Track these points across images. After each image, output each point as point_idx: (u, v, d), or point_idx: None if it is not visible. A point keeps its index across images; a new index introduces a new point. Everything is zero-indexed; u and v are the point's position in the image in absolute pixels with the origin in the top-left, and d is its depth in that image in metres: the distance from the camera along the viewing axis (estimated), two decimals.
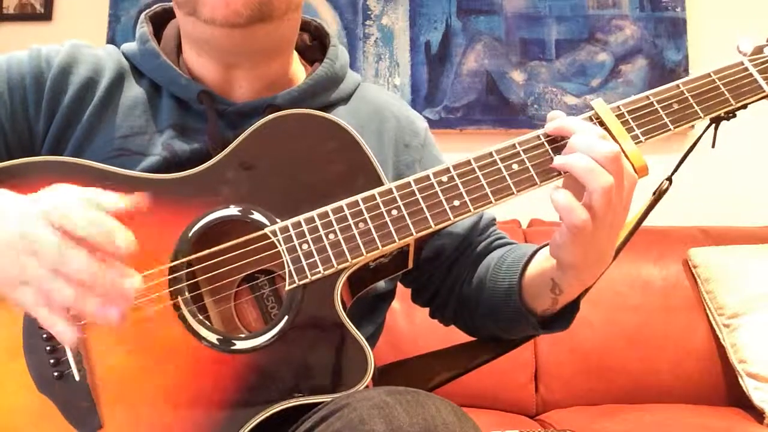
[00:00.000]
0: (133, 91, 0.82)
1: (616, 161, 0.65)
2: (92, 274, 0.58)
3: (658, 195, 0.79)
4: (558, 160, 0.68)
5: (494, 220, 0.94)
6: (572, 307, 0.80)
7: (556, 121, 0.70)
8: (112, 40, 2.19)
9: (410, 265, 0.76)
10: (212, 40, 0.78)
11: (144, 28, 0.85)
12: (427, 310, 0.97)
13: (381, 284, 0.85)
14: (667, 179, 0.78)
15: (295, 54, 0.90)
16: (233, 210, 0.71)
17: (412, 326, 1.69)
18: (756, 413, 1.57)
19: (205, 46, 0.81)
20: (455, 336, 0.93)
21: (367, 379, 0.65)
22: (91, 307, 0.58)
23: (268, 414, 0.65)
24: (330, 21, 2.21)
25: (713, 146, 0.78)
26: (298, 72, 0.90)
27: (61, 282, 0.58)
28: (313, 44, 0.93)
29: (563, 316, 0.80)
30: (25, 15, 2.28)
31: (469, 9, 2.22)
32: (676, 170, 0.80)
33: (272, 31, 0.79)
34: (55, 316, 0.59)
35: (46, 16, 2.28)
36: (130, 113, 0.81)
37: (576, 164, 0.66)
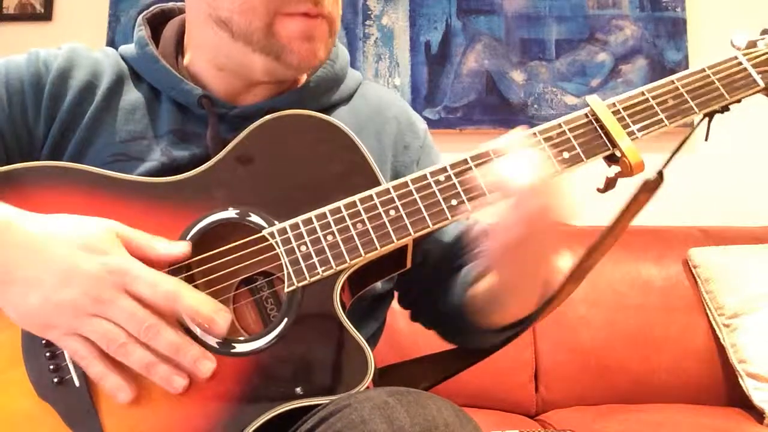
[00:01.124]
0: (132, 95, 0.82)
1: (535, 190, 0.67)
2: (176, 348, 0.63)
3: (646, 188, 0.78)
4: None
5: (486, 232, 0.94)
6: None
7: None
8: (111, 40, 2.19)
9: (408, 264, 0.76)
10: (269, 74, 0.79)
11: (142, 32, 0.85)
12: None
13: (380, 284, 0.85)
14: (657, 173, 0.78)
15: None
16: (231, 212, 0.71)
17: (412, 326, 1.68)
18: (756, 413, 1.57)
19: (243, 69, 0.80)
20: None
21: (368, 380, 0.65)
22: (162, 375, 0.63)
23: (268, 417, 0.64)
24: None
25: (706, 139, 0.78)
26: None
27: (137, 347, 0.62)
28: None
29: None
30: (25, 15, 2.28)
31: (469, 9, 2.21)
32: (666, 164, 0.79)
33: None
34: (107, 370, 0.63)
35: (46, 16, 2.28)
36: (129, 118, 0.80)
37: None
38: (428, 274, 0.90)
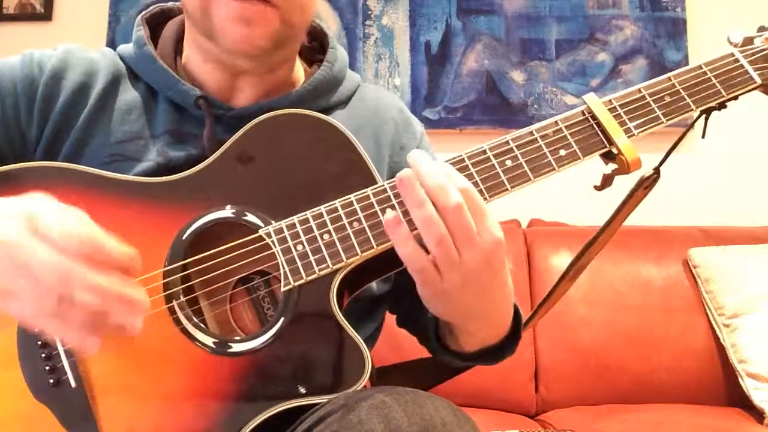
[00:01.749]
0: (129, 95, 0.82)
1: (456, 212, 0.62)
2: (108, 289, 0.56)
3: (641, 184, 0.77)
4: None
5: None
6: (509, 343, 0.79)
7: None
8: (111, 40, 2.19)
9: None
10: (227, 60, 0.79)
11: (140, 32, 0.84)
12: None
13: (378, 285, 0.85)
14: (654, 170, 0.77)
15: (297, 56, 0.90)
16: (227, 212, 0.71)
17: None
18: (756, 413, 1.57)
19: (215, 58, 0.81)
20: None
21: (365, 379, 0.65)
22: (116, 319, 0.56)
23: (265, 417, 0.64)
24: (330, 21, 2.21)
25: (703, 136, 0.78)
26: (299, 74, 0.89)
27: (79, 301, 0.55)
28: (313, 45, 0.93)
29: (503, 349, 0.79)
30: (25, 15, 2.28)
31: (469, 9, 2.21)
32: (663, 161, 0.79)
33: (286, 52, 0.81)
34: (68, 328, 0.56)
35: (46, 16, 2.28)
36: (125, 118, 0.80)
37: (413, 215, 0.64)
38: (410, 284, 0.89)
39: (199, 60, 0.83)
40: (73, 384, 0.65)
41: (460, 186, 0.64)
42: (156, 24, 0.88)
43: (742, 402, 1.63)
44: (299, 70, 0.90)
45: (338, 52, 0.90)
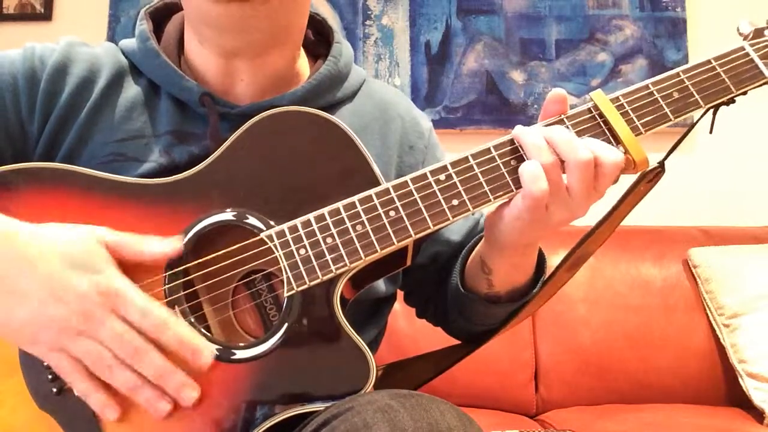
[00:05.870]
0: (131, 92, 0.80)
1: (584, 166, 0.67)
2: (160, 374, 0.63)
3: (645, 177, 0.75)
4: (518, 130, 0.70)
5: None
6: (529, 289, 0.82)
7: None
8: (111, 40, 2.16)
9: (409, 262, 0.75)
10: (209, 18, 0.75)
11: (144, 26, 0.82)
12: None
13: (381, 287, 0.85)
14: (659, 164, 0.77)
15: (302, 50, 0.87)
16: (228, 214, 0.69)
17: (412, 328, 1.69)
18: (756, 413, 1.57)
19: (204, 29, 0.78)
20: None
21: (370, 385, 0.65)
22: (147, 399, 0.63)
23: (271, 424, 0.64)
24: (330, 21, 2.20)
25: (711, 132, 0.76)
26: (303, 69, 0.87)
27: (122, 369, 0.62)
28: (317, 39, 0.91)
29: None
30: (25, 15, 2.28)
31: (469, 9, 2.21)
32: (668, 155, 0.78)
33: (270, 12, 0.76)
34: (92, 388, 0.63)
35: (46, 16, 2.27)
36: (127, 116, 0.78)
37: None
38: (437, 274, 0.90)
39: (194, 44, 0.81)
40: (76, 392, 0.64)
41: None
42: (160, 19, 0.86)
43: (742, 402, 1.63)
44: (304, 63, 0.87)
45: (343, 46, 0.88)
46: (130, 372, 0.62)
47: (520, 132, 0.70)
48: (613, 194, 0.77)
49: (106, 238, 0.65)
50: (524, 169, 0.67)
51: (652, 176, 0.73)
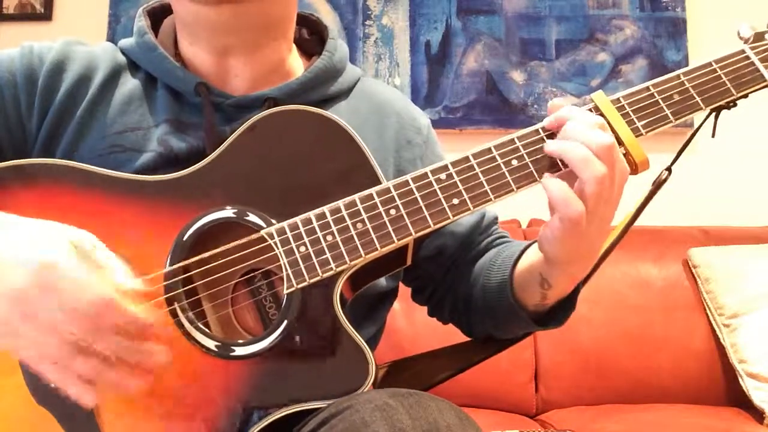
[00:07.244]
0: (128, 86, 0.81)
1: (610, 151, 0.64)
2: (119, 351, 0.60)
3: (657, 185, 0.77)
4: (551, 146, 0.68)
5: (496, 218, 0.94)
6: (567, 304, 0.79)
7: (554, 114, 0.70)
8: (111, 40, 2.16)
9: (408, 262, 0.76)
10: (201, 19, 0.77)
11: (142, 22, 0.84)
12: (426, 309, 0.96)
13: (382, 283, 0.85)
14: (666, 169, 0.77)
15: (294, 47, 0.88)
16: (228, 212, 0.70)
17: (412, 326, 1.69)
18: (756, 413, 1.57)
19: (196, 30, 0.79)
20: (455, 336, 0.93)
21: (369, 383, 0.65)
22: (113, 380, 0.61)
23: (269, 421, 0.64)
24: (330, 21, 2.20)
25: (713, 135, 0.76)
26: (297, 65, 0.88)
27: (81, 357, 0.60)
28: (312, 38, 0.92)
29: (557, 313, 0.80)
30: (25, 15, 2.28)
31: (469, 9, 2.21)
32: (675, 160, 0.78)
33: (262, 8, 0.77)
34: (68, 378, 0.61)
35: (46, 16, 2.28)
36: (124, 109, 0.79)
37: (569, 152, 0.65)
38: (444, 267, 0.90)
39: (186, 43, 0.82)
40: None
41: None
42: (157, 18, 0.87)
43: (742, 402, 1.63)
44: (297, 61, 0.88)
45: (338, 43, 0.89)
46: (83, 357, 0.59)
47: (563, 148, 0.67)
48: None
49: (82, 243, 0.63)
50: (552, 188, 0.65)
51: (662, 181, 0.74)
